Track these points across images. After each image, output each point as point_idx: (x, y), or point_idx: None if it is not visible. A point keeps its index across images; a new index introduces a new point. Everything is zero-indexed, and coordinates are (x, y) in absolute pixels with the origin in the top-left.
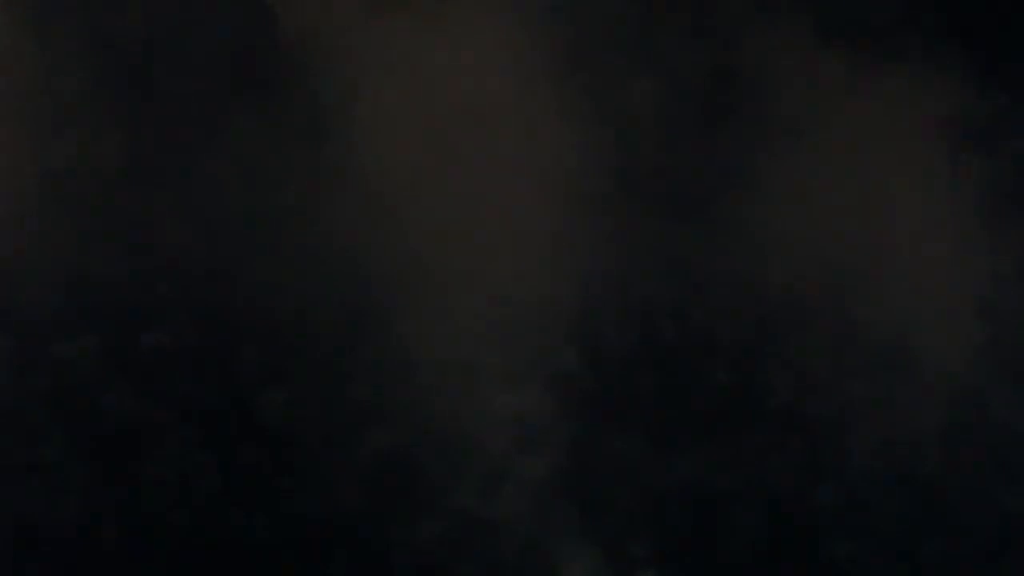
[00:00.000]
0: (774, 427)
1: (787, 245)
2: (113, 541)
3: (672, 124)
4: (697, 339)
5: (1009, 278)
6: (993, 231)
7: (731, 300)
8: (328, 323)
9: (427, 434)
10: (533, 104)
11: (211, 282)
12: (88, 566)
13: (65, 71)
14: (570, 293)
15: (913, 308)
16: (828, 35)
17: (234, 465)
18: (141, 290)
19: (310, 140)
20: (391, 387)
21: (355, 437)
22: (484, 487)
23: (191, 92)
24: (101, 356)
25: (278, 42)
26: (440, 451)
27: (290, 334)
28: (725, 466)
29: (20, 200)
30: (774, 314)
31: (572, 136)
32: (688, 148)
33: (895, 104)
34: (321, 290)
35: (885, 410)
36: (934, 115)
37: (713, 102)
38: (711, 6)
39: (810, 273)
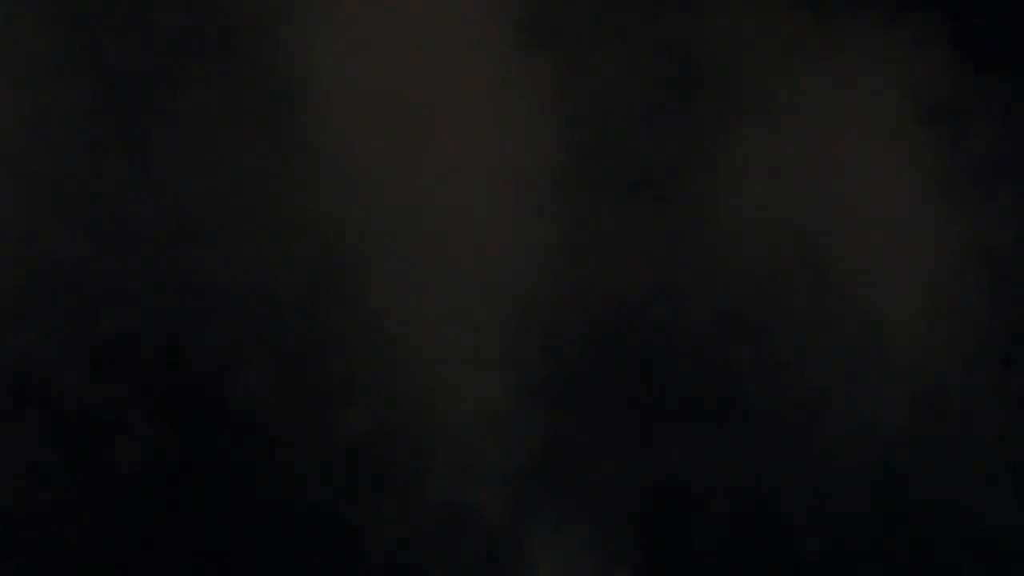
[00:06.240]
0: (746, 421)
1: (756, 228)
2: (78, 528)
3: (635, 101)
4: (667, 329)
5: (976, 261)
6: (961, 212)
7: (701, 287)
8: (293, 302)
9: (396, 419)
10: (493, 79)
11: (172, 260)
12: (54, 552)
13: (16, 46)
14: (534, 279)
15: (881, 293)
16: (794, 4)
17: (201, 448)
18: (99, 270)
19: (270, 114)
20: (358, 370)
21: (324, 419)
22: (454, 477)
23: (148, 66)
24: (61, 340)
25: (237, 14)
26: (409, 437)
27: (255, 313)
28: (697, 461)
29: None
30: (746, 302)
31: (534, 116)
32: (652, 126)
33: (865, 76)
34: (286, 268)
35: (857, 403)
36: (904, 88)
37: (676, 76)
38: None
39: (781, 258)
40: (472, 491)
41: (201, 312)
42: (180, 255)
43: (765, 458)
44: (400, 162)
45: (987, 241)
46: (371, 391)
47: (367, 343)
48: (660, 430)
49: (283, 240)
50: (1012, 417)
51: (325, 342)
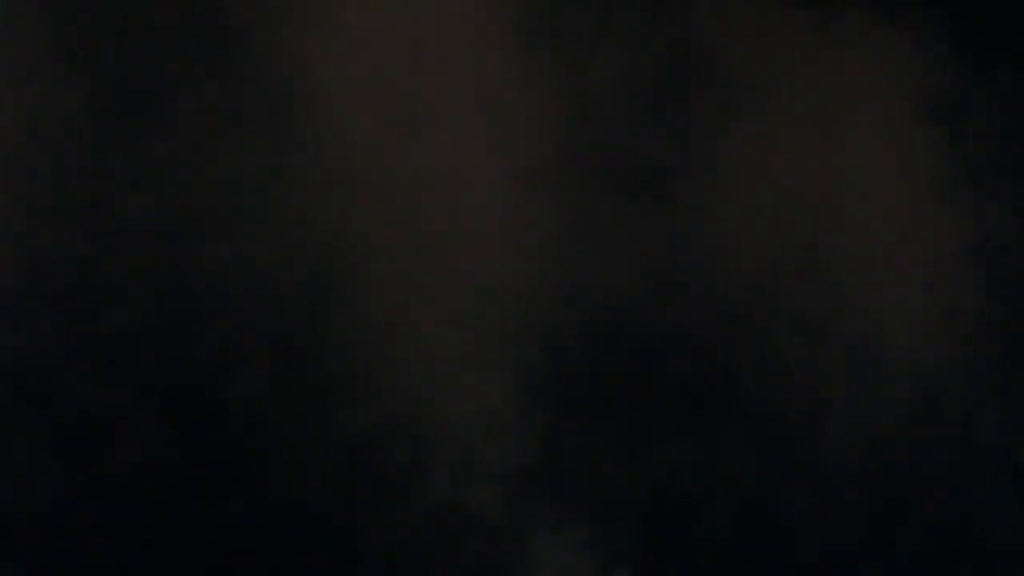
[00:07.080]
0: (746, 421)
1: (756, 228)
2: (78, 528)
3: (635, 101)
4: (667, 329)
5: (976, 261)
6: (961, 212)
7: (701, 287)
8: (293, 302)
9: (396, 419)
10: (493, 79)
11: (173, 260)
12: (54, 552)
13: (17, 46)
14: (534, 279)
15: (881, 293)
16: (794, 4)
17: (201, 448)
18: (99, 270)
19: (270, 114)
20: (358, 370)
21: (324, 419)
22: (454, 477)
23: (148, 65)
24: (61, 340)
25: (236, 14)
26: (409, 437)
27: (255, 313)
28: (697, 461)
29: None
30: (746, 302)
31: (534, 115)
32: (652, 126)
33: (865, 76)
34: (286, 268)
35: (857, 403)
36: (904, 88)
37: (676, 76)
38: None
39: (781, 258)
40: (472, 491)
41: (201, 312)
42: (180, 255)
43: (765, 458)
44: (400, 162)
45: (987, 241)
46: (371, 391)
47: (367, 343)
48: (660, 430)
49: (283, 240)
50: (1012, 417)
51: (325, 342)
